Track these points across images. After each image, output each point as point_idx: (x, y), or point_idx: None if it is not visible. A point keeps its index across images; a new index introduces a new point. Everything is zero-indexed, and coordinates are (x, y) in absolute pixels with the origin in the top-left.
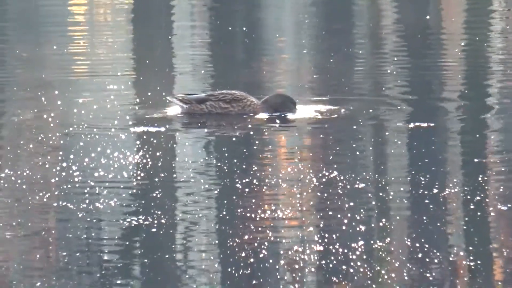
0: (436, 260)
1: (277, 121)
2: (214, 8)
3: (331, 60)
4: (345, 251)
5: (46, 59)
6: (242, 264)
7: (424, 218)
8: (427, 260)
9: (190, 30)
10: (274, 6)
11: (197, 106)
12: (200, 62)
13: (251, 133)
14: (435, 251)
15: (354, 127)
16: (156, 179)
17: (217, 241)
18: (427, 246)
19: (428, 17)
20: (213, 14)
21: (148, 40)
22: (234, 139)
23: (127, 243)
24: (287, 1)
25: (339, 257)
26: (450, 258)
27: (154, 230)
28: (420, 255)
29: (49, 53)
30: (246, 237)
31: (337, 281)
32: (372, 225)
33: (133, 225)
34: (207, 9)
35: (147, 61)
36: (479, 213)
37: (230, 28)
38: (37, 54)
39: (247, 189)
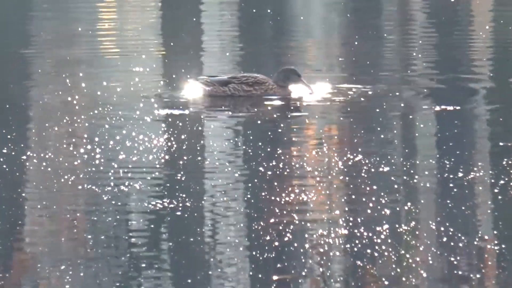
0: (462, 245)
1: (302, 103)
2: None
3: (356, 43)
4: (371, 235)
5: (73, 38)
6: (267, 248)
7: (450, 202)
8: (453, 244)
9: (218, 8)
10: None
11: (220, 89)
12: (226, 44)
13: (275, 115)
14: (461, 235)
15: (378, 110)
16: (181, 162)
17: (242, 225)
18: (453, 230)
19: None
20: None
21: (175, 20)
22: (259, 121)
23: (152, 226)
24: None
25: (366, 241)
26: (476, 243)
27: (179, 213)
28: (445, 239)
29: (76, 31)
30: (272, 220)
31: (362, 265)
32: (398, 209)
33: (158, 208)
34: None
35: (173, 43)
36: (504, 198)
37: (254, 11)
38: (64, 32)
39: (271, 172)
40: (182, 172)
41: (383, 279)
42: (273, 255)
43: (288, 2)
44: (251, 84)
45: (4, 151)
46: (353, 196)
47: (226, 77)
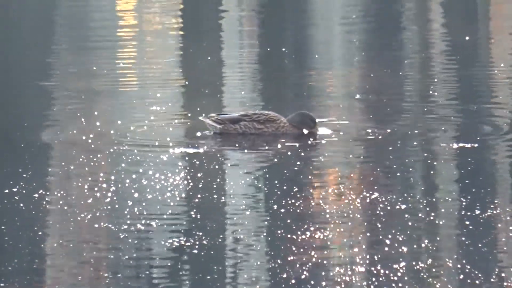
0: (480, 283)
1: (317, 141)
2: (262, 27)
3: (373, 80)
4: (389, 273)
5: (92, 70)
6: (285, 286)
7: (469, 240)
8: (471, 282)
9: (238, 48)
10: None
11: (231, 126)
12: (243, 81)
13: (289, 153)
14: (479, 273)
15: (396, 148)
16: (197, 201)
17: (259, 263)
18: (471, 268)
19: (467, 37)
20: (260, 34)
21: (195, 54)
22: (275, 160)
23: (169, 264)
24: (335, 36)
25: (384, 280)
26: (494, 281)
27: (195, 251)
28: (463, 278)
29: (95, 64)
30: (290, 258)
31: None
32: (416, 247)
33: (174, 247)
34: (256, 28)
35: (190, 79)
36: None
37: (268, 49)
38: (83, 64)
39: (288, 211)
40: (198, 210)
41: None
42: None
43: (302, 40)
44: (263, 121)
45: (19, 189)
46: (371, 234)
47: (237, 115)
